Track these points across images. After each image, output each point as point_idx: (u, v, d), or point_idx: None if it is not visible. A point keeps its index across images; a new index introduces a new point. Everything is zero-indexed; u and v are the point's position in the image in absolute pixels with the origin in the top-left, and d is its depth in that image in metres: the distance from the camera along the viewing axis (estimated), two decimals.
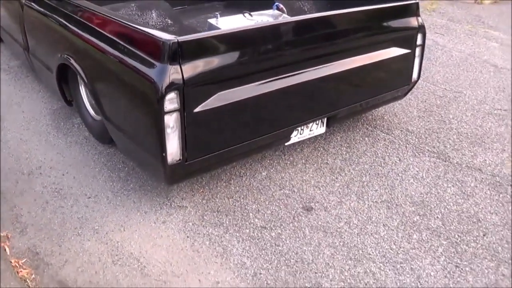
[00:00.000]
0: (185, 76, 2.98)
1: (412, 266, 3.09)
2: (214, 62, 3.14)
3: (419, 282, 2.98)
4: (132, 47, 3.19)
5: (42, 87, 5.41)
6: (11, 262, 3.18)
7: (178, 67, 2.97)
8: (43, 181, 3.95)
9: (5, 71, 5.92)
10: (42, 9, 4.44)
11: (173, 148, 3.12)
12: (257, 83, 3.38)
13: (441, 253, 3.20)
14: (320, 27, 3.67)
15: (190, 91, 3.03)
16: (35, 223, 3.52)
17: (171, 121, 3.04)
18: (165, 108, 2.98)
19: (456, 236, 3.34)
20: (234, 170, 3.98)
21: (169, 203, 3.63)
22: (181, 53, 2.96)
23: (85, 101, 4.38)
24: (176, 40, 2.93)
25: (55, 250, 3.28)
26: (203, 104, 3.13)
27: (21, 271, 3.11)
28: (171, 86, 2.95)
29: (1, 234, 3.42)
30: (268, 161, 4.10)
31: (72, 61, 3.87)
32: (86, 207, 3.64)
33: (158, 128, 3.05)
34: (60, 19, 4.06)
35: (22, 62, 5.79)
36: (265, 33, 3.41)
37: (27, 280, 3.05)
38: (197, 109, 3.11)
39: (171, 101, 2.99)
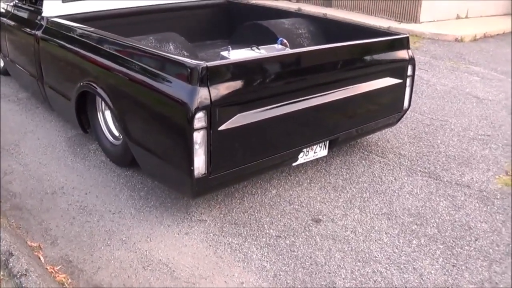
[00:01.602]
0: (212, 97, 3.49)
1: (414, 266, 3.58)
2: (235, 86, 3.65)
3: (422, 279, 3.46)
4: (162, 72, 3.71)
5: (54, 117, 5.87)
6: (47, 268, 3.57)
7: (206, 89, 3.47)
8: (67, 199, 4.36)
9: (14, 102, 6.39)
10: (63, 42, 4.95)
11: (199, 162, 3.59)
12: (271, 106, 3.89)
13: (439, 255, 3.70)
14: (327, 57, 4.25)
15: (216, 111, 3.53)
16: (64, 235, 3.92)
17: (199, 138, 3.52)
18: (194, 126, 3.46)
19: (451, 241, 3.85)
20: (246, 189, 4.46)
21: (189, 217, 4.08)
22: (209, 77, 3.47)
23: (103, 128, 4.85)
24: (205, 65, 3.45)
25: (87, 258, 3.67)
26: (226, 123, 3.62)
27: (58, 276, 3.50)
28: (201, 106, 3.44)
29: (33, 245, 3.82)
30: (276, 181, 4.59)
31: (98, 88, 4.35)
32: (112, 221, 4.06)
33: (188, 144, 3.52)
34: (84, 50, 4.57)
35: (32, 93, 6.25)
36: (281, 61, 3.97)
37: (65, 284, 3.43)
38: (220, 128, 3.60)
39: (200, 119, 3.47)
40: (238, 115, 3.70)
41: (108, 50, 4.28)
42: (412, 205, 4.30)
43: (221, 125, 3.60)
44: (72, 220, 4.09)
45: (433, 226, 4.03)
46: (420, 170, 4.87)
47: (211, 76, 3.49)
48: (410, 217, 4.13)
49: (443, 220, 4.11)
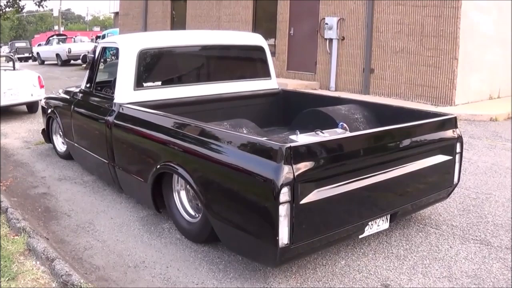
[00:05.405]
0: (295, 174, 4.18)
1: None
2: (313, 164, 4.35)
3: None
4: (249, 152, 4.44)
5: (123, 198, 6.60)
6: None
7: (290, 167, 4.17)
8: (150, 272, 4.98)
9: (80, 184, 7.20)
10: (139, 127, 5.76)
11: (283, 233, 4.22)
12: (342, 182, 4.57)
13: None
14: (389, 138, 4.99)
15: (298, 186, 4.21)
16: None
17: (283, 211, 4.18)
18: (280, 200, 4.14)
19: None
20: (317, 260, 5.08)
21: (268, 287, 4.68)
22: (292, 156, 4.18)
23: (178, 207, 5.54)
24: (289, 145, 4.17)
25: None
26: (305, 198, 4.30)
27: None
28: (285, 182, 4.13)
29: None
30: (343, 253, 5.22)
31: (179, 169, 5.07)
32: None
33: (273, 216, 4.17)
34: (164, 134, 5.36)
35: (99, 176, 6.98)
36: (351, 142, 4.73)
37: None
38: (301, 202, 4.27)
39: (284, 194, 4.15)
40: (315, 190, 4.38)
41: (192, 134, 5.04)
42: (469, 268, 4.94)
43: (302, 199, 4.27)
44: None
45: (489, 284, 4.67)
46: (472, 238, 5.52)
47: (294, 156, 4.19)
48: (468, 278, 4.77)
49: (498, 279, 4.76)
